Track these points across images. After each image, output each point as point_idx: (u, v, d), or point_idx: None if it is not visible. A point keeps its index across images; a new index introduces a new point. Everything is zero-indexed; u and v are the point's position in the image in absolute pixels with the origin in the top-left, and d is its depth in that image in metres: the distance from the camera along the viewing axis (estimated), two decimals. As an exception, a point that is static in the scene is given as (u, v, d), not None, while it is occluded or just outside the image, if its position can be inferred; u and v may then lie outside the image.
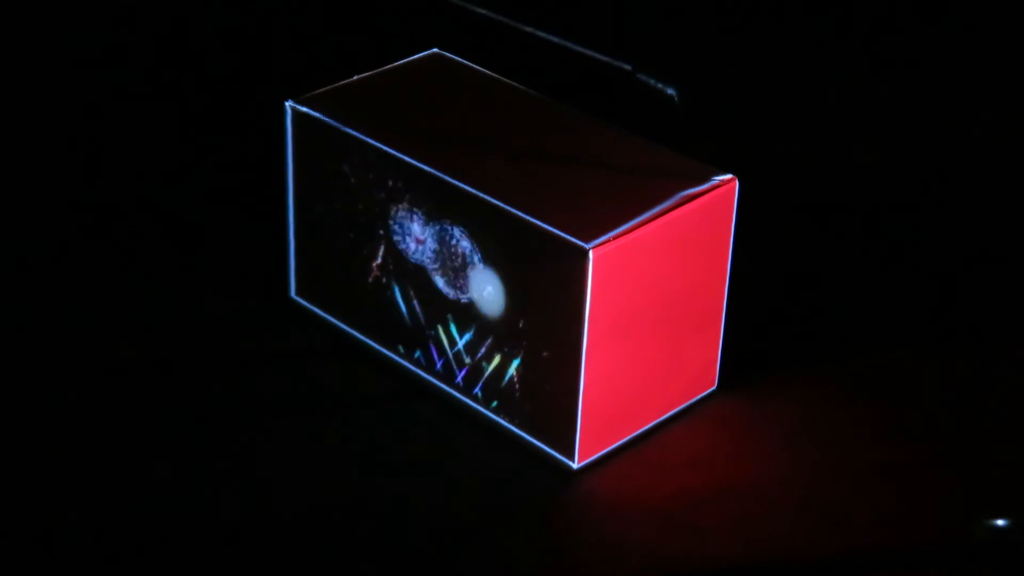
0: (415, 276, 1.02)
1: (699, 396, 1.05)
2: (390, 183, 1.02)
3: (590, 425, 0.98)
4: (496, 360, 1.00)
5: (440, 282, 1.01)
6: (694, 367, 1.04)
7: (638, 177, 1.00)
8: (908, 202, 1.26)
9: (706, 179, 1.00)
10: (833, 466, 1.00)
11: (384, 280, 1.04)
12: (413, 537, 0.94)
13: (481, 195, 0.97)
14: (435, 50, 1.13)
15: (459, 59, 1.12)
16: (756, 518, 0.96)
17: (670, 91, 1.00)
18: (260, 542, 0.93)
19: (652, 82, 1.00)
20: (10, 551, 0.92)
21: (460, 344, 1.01)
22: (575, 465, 0.99)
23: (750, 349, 1.08)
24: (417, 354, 1.04)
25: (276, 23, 1.48)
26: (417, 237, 1.01)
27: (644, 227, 0.96)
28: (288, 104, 1.07)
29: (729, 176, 1.01)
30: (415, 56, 1.13)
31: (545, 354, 0.97)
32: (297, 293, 1.11)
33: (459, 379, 1.02)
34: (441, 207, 0.99)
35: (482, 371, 1.01)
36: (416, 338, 1.04)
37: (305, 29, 1.47)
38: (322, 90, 1.08)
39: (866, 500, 0.98)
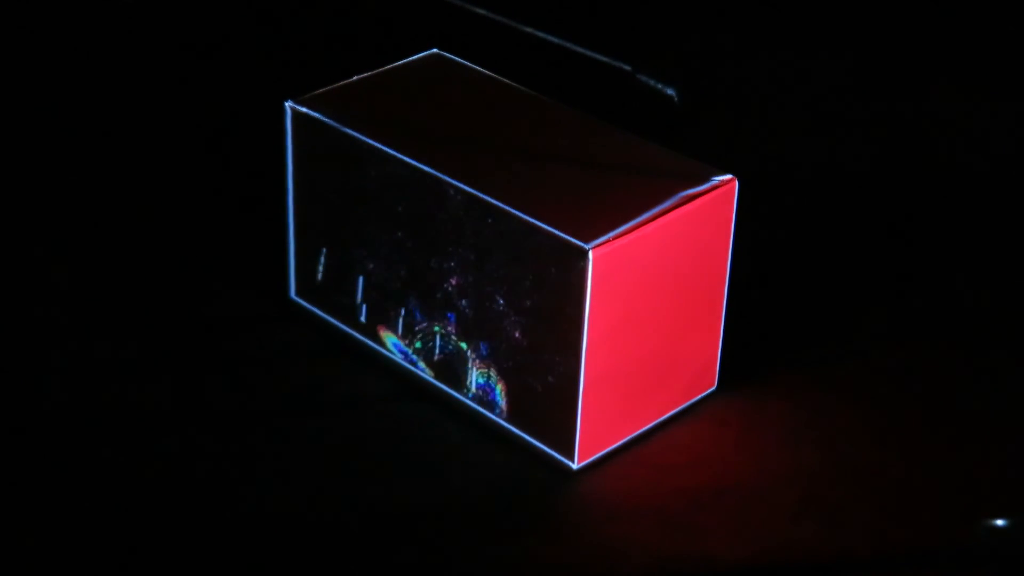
0: (415, 276, 1.03)
1: (699, 396, 1.05)
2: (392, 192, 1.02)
3: (590, 425, 0.98)
4: (495, 359, 1.00)
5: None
6: (694, 367, 1.04)
7: (638, 177, 1.00)
8: (908, 202, 1.26)
9: (706, 179, 1.00)
10: (833, 466, 1.00)
11: (383, 280, 1.05)
12: (412, 538, 0.94)
13: (481, 195, 0.97)
14: (435, 50, 1.13)
15: (459, 59, 1.12)
16: (756, 518, 0.96)
17: (670, 91, 1.00)
18: (259, 542, 0.93)
19: (652, 82, 1.00)
20: (9, 551, 0.92)
21: (459, 344, 1.01)
22: (575, 465, 0.99)
23: (750, 349, 1.08)
24: (415, 356, 1.04)
25: (276, 23, 1.48)
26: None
27: (644, 227, 0.96)
28: (288, 104, 1.07)
29: (729, 176, 1.01)
30: (415, 56, 1.13)
31: (545, 354, 0.97)
32: (297, 293, 1.11)
33: (458, 380, 1.02)
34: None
35: (481, 369, 1.01)
36: (415, 337, 1.04)
37: (305, 29, 1.47)
38: (322, 90, 1.08)
39: (866, 500, 0.98)
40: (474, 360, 1.01)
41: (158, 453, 0.99)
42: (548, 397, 0.98)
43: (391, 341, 1.05)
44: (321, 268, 1.08)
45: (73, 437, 1.00)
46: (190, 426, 1.01)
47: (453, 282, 1.00)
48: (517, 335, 0.98)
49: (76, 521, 0.94)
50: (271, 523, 0.95)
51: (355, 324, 1.08)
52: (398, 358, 1.05)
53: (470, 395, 1.02)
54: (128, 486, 0.97)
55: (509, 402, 1.00)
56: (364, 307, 1.06)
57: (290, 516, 0.95)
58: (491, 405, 1.01)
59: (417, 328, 1.04)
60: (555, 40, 1.04)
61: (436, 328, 1.02)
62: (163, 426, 1.01)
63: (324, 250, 1.07)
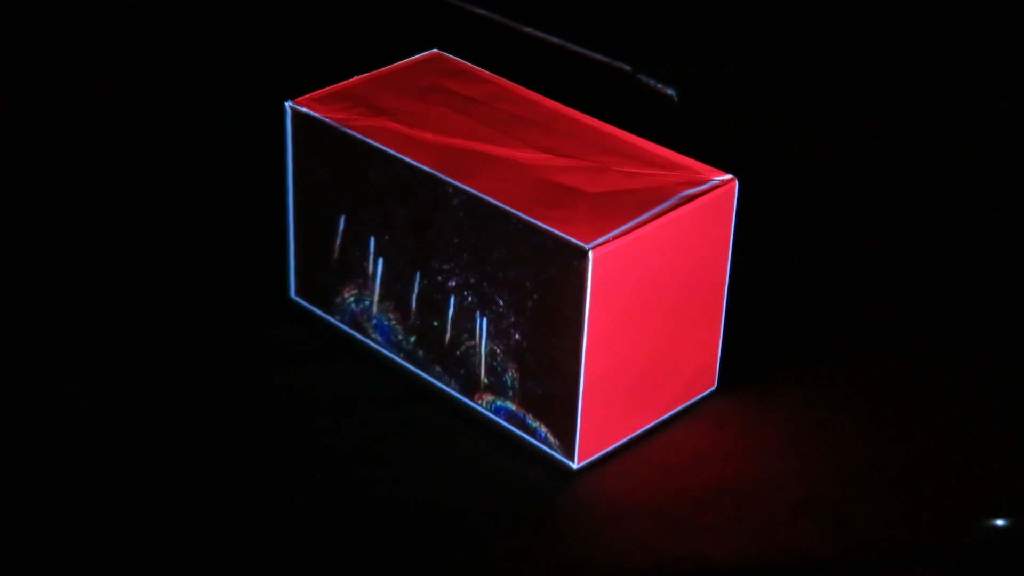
0: (414, 274, 1.03)
1: (699, 396, 1.05)
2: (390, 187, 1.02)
3: (590, 425, 0.98)
4: (496, 359, 1.00)
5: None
6: (694, 367, 1.04)
7: (638, 177, 1.00)
8: (908, 202, 1.26)
9: (706, 179, 1.00)
10: (833, 466, 1.00)
11: (383, 279, 1.05)
12: (413, 537, 0.94)
13: (481, 195, 0.97)
14: (435, 50, 1.13)
15: (459, 59, 1.12)
16: (756, 518, 0.96)
17: (670, 91, 1.00)
18: (259, 542, 0.93)
19: (652, 82, 1.00)
20: (10, 551, 0.92)
21: (461, 343, 1.01)
22: (575, 465, 0.99)
23: (750, 349, 1.08)
24: (419, 353, 1.04)
25: (276, 23, 1.48)
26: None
27: (644, 227, 0.96)
28: (288, 104, 1.07)
29: (729, 176, 1.01)
30: (415, 56, 1.13)
31: (545, 354, 0.97)
32: (297, 293, 1.11)
33: (459, 379, 1.02)
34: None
35: (481, 369, 1.01)
36: (416, 336, 1.04)
37: (305, 29, 1.47)
38: (322, 90, 1.08)
39: (866, 500, 0.98)
40: (479, 343, 1.01)
41: (157, 453, 0.99)
42: (548, 397, 0.98)
43: (376, 321, 1.05)
44: (339, 240, 1.07)
45: (72, 436, 1.00)
46: (189, 426, 1.01)
47: (453, 283, 1.00)
48: (517, 336, 0.98)
49: (75, 521, 0.94)
50: (271, 523, 0.95)
51: (354, 323, 1.08)
52: (386, 349, 1.05)
53: (477, 379, 1.02)
54: (128, 486, 0.97)
55: (521, 384, 0.99)
56: (366, 304, 1.06)
57: (290, 515, 0.95)
58: (503, 388, 1.01)
59: (416, 323, 1.04)
60: (555, 40, 1.04)
61: (435, 323, 1.02)
62: (163, 426, 1.01)
63: (343, 218, 1.06)
